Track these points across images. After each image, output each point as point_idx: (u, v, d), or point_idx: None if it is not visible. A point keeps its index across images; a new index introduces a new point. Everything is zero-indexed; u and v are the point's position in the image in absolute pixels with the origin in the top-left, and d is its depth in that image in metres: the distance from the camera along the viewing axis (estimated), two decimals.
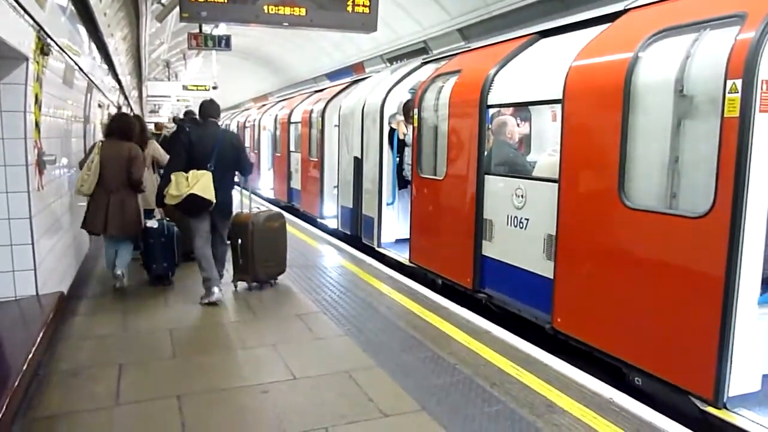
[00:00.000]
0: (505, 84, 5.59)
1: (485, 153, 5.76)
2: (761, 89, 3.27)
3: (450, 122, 6.26)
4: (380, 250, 8.08)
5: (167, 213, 6.49)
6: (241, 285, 6.24)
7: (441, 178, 6.46)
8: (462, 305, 5.64)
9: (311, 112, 11.73)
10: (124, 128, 6.09)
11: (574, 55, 4.62)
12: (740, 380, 3.44)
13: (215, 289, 5.64)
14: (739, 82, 3.29)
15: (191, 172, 5.46)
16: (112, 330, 4.94)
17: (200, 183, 5.40)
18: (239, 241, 6.07)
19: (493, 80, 5.65)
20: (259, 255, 6.08)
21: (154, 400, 3.66)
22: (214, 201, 5.47)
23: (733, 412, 3.40)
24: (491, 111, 5.85)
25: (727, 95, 3.35)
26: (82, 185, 5.78)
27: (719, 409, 3.42)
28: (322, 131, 10.89)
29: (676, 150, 3.76)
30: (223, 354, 4.50)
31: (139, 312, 5.43)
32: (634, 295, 4.03)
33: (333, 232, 9.91)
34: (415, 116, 7.02)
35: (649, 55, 4.00)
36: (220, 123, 6.59)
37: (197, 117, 6.68)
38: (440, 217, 6.62)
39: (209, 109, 5.97)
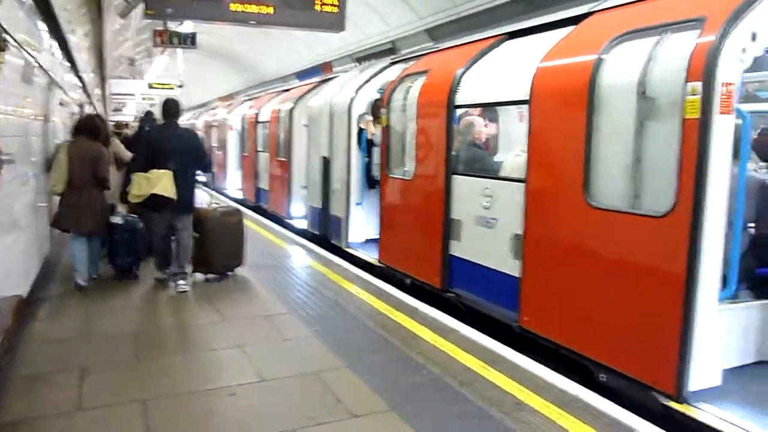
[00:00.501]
0: (473, 84, 5.62)
1: (453, 153, 5.79)
2: (720, 92, 3.35)
3: (418, 122, 6.28)
4: (349, 250, 8.06)
5: (132, 209, 6.63)
6: (199, 276, 6.49)
7: (409, 178, 6.48)
8: (431, 305, 5.66)
9: (279, 111, 11.64)
10: (92, 129, 6.27)
11: (541, 57, 4.67)
12: (701, 376, 3.52)
13: (181, 282, 6.03)
14: (699, 85, 3.36)
15: (153, 171, 5.69)
16: (74, 333, 4.83)
17: (162, 183, 5.66)
18: (197, 234, 6.34)
19: (460, 80, 5.69)
20: (216, 248, 6.41)
21: (118, 404, 3.58)
22: (176, 198, 5.73)
23: (694, 406, 3.47)
24: (459, 111, 5.88)
25: (688, 97, 3.42)
26: (54, 185, 5.96)
27: (681, 403, 3.50)
28: (290, 131, 10.82)
29: (639, 151, 3.82)
30: (189, 356, 4.42)
31: (102, 314, 5.32)
32: (598, 293, 4.10)
33: (301, 233, 9.85)
34: (384, 116, 7.02)
35: (612, 57, 4.06)
36: (182, 122, 6.75)
37: (156, 118, 6.93)
38: (409, 217, 6.64)
39: (170, 108, 6.15)
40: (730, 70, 3.35)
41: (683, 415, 3.46)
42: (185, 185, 5.92)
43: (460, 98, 5.67)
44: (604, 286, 4.05)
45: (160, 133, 6.15)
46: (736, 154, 3.54)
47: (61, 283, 6.30)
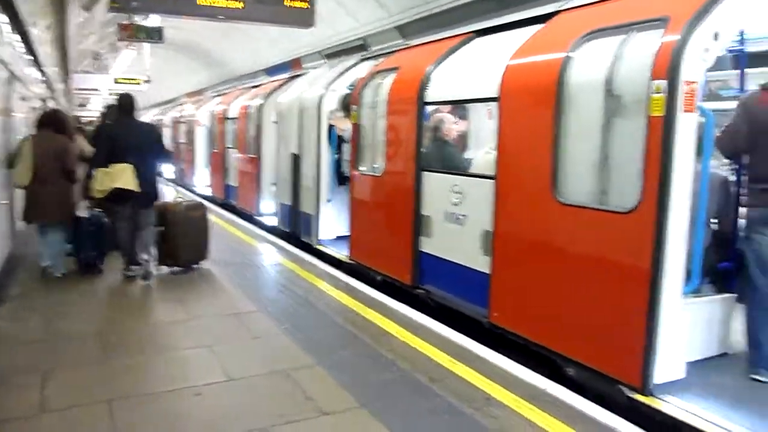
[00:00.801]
0: (442, 81, 5.64)
1: (423, 150, 5.79)
2: (683, 90, 3.41)
3: (388, 119, 6.28)
4: (319, 247, 8.02)
5: (97, 203, 6.66)
6: (165, 269, 6.60)
7: (379, 175, 6.48)
8: (402, 301, 5.66)
9: (248, 107, 11.52)
10: (56, 122, 6.39)
11: (510, 55, 4.70)
12: (666, 368, 3.58)
13: (139, 270, 6.19)
14: (663, 83, 3.42)
15: (113, 166, 5.79)
16: (36, 334, 4.70)
17: (124, 177, 5.78)
18: (162, 228, 6.48)
19: (429, 77, 5.69)
20: (180, 241, 6.55)
21: (83, 406, 3.50)
22: (138, 191, 5.83)
23: (659, 398, 3.53)
24: (429, 108, 5.88)
25: (652, 95, 3.48)
26: (19, 178, 6.06)
27: (646, 396, 3.55)
28: (259, 128, 10.71)
29: (606, 148, 3.86)
30: (156, 356, 4.35)
31: (66, 314, 5.19)
32: (566, 288, 4.14)
33: (271, 230, 9.77)
34: (354, 113, 7.00)
35: (579, 55, 4.11)
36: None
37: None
38: (378, 213, 6.63)
39: (126, 104, 6.26)
40: (693, 69, 3.42)
41: (648, 407, 3.52)
42: (147, 178, 6.01)
43: (430, 95, 5.68)
44: (571, 281, 4.09)
45: (119, 128, 6.20)
46: (700, 151, 3.62)
47: (22, 283, 6.14)
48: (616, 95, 3.78)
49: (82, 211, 6.60)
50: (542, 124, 4.25)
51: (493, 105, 5.01)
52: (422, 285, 5.81)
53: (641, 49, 3.66)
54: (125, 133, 6.06)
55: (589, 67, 4.02)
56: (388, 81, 6.44)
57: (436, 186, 5.56)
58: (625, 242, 3.69)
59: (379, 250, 6.61)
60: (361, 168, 6.90)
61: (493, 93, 4.74)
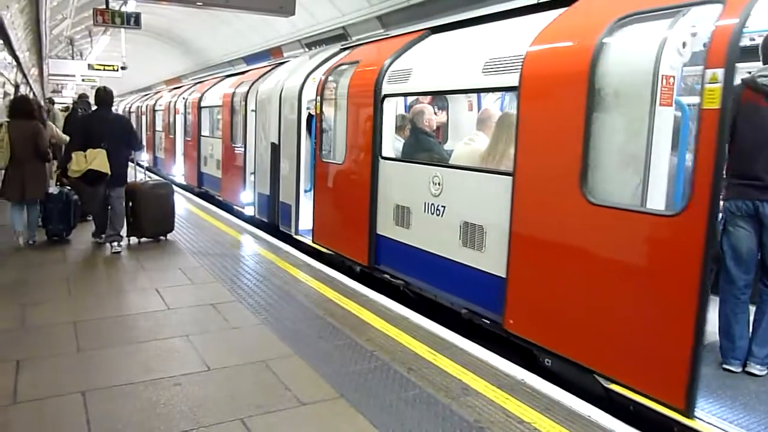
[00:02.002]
0: (397, 75, 5.89)
1: (380, 139, 5.99)
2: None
3: (348, 110, 6.55)
4: (298, 237, 7.99)
5: (70, 183, 7.54)
6: (134, 240, 7.60)
7: (340, 163, 6.71)
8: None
9: (225, 96, 11.41)
10: (27, 110, 7.24)
11: (529, 41, 4.32)
12: None
13: (116, 243, 7.07)
14: (720, 72, 3.08)
15: (89, 150, 6.65)
16: (8, 324, 4.63)
17: (97, 160, 6.63)
18: (131, 204, 7.41)
19: (387, 71, 5.96)
20: (146, 215, 7.51)
21: (56, 396, 3.46)
22: (110, 173, 6.68)
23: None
24: (386, 100, 6.04)
25: (707, 86, 3.12)
26: None
27: (691, 419, 3.31)
28: (241, 116, 10.60)
29: (642, 143, 3.55)
30: (132, 346, 4.30)
31: (39, 304, 5.12)
32: (596, 297, 3.78)
33: (249, 220, 9.70)
34: (318, 104, 7.29)
35: (616, 40, 3.75)
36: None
37: (90, 101, 8.36)
38: (339, 199, 6.91)
39: (104, 97, 7.19)
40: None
41: (624, 397, 3.57)
42: (118, 162, 6.92)
43: (387, 88, 5.92)
44: (604, 290, 3.71)
45: (96, 119, 7.21)
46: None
47: None
48: (657, 85, 3.48)
49: (52, 188, 7.58)
50: (571, 116, 3.85)
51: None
52: (378, 266, 6.07)
53: (689, 35, 3.41)
54: (101, 123, 6.98)
55: (626, 53, 3.75)
56: (348, 74, 6.69)
57: (414, 176, 5.55)
58: (669, 248, 3.36)
59: (337, 233, 6.97)
60: (324, 156, 7.21)
61: (509, 82, 4.47)
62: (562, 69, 3.98)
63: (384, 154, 5.98)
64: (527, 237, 4.27)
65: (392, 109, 6.11)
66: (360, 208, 6.24)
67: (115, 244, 7.03)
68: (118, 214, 7.13)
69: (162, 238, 7.67)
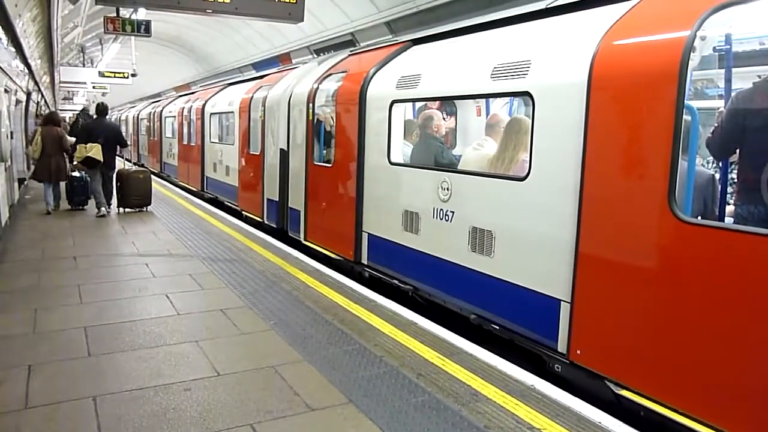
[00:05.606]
0: (381, 84, 6.26)
1: (365, 144, 6.41)
2: None
3: (337, 116, 7.05)
4: (307, 243, 8.00)
5: (82, 168, 10.65)
6: (122, 210, 10.79)
7: (330, 166, 7.22)
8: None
9: (232, 103, 11.64)
10: (56, 120, 10.97)
11: (599, 37, 3.86)
12: None
13: (103, 208, 10.28)
14: None
15: (89, 144, 10.04)
16: (20, 329, 4.67)
17: (94, 150, 10.01)
18: (119, 184, 10.68)
19: (371, 80, 6.41)
20: (128, 192, 10.68)
21: (68, 401, 3.48)
22: (102, 160, 10.10)
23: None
24: (368, 107, 6.41)
25: None
26: (34, 153, 10.56)
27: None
28: (250, 122, 10.66)
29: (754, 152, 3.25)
30: (143, 351, 4.32)
31: (51, 308, 5.16)
32: (691, 331, 3.28)
33: (257, 225, 9.73)
34: (309, 111, 7.73)
35: (712, 31, 3.42)
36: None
37: (90, 113, 11.24)
38: (329, 199, 7.28)
39: (101, 109, 10.83)
40: None
41: (635, 403, 3.54)
42: (110, 153, 10.43)
43: (371, 95, 6.34)
44: (702, 324, 3.20)
45: (95, 124, 10.79)
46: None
47: (4, 274, 6.11)
48: None
49: (75, 173, 10.90)
50: (656, 122, 3.42)
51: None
52: (361, 259, 6.47)
53: None
54: (98, 128, 10.52)
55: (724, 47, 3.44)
56: (337, 82, 7.22)
57: (422, 182, 5.55)
58: None
59: (326, 230, 7.41)
60: (315, 160, 7.72)
61: (524, 87, 4.33)
62: (647, 67, 3.50)
63: (393, 159, 6.05)
64: (607, 259, 3.69)
65: (401, 115, 6.12)
66: (348, 207, 6.71)
67: (103, 209, 10.22)
68: (108, 190, 10.63)
69: (143, 209, 10.85)
